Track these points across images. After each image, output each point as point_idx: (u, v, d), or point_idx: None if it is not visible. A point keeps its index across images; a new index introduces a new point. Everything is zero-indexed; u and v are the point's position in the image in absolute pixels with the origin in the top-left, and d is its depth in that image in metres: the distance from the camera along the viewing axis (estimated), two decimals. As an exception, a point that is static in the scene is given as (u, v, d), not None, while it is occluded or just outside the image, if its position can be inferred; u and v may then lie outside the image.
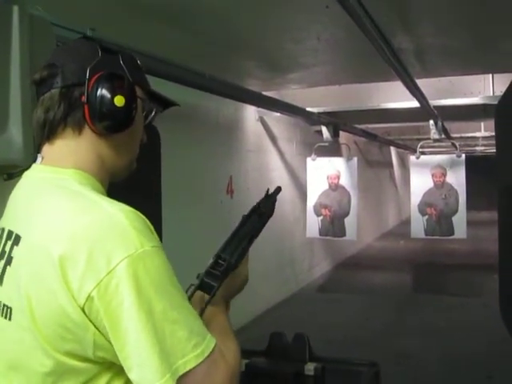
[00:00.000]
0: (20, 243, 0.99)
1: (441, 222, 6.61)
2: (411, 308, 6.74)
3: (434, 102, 5.57)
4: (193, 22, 3.34)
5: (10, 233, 1.02)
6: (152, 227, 0.97)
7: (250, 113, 6.50)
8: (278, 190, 1.39)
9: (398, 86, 4.80)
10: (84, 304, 0.89)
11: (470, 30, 3.68)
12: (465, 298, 7.09)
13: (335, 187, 6.93)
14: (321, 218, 6.96)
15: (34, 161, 1.09)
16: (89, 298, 0.89)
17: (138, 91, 1.10)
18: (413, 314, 6.48)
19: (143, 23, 3.22)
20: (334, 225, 6.92)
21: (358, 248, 10.89)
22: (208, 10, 3.12)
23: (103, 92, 1.02)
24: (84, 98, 1.02)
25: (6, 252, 1.01)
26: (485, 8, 3.16)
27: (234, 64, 4.58)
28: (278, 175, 7.24)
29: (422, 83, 4.80)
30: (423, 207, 6.69)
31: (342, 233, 6.94)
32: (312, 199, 7.02)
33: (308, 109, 6.15)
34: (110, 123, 1.04)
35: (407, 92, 4.68)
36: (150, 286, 0.90)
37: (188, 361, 0.91)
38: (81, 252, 0.90)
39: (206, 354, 0.93)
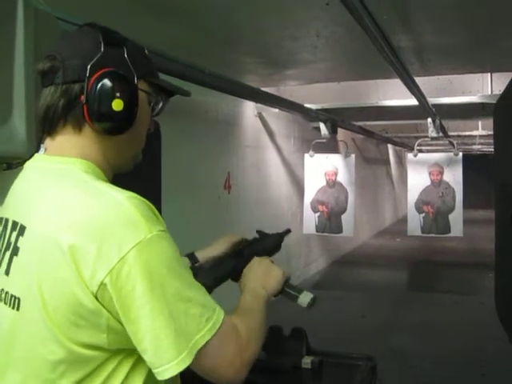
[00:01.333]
0: (25, 234, 0.99)
1: (437, 220, 6.63)
2: (407, 305, 6.75)
3: (432, 100, 5.58)
4: (192, 18, 3.34)
5: (15, 223, 1.02)
6: (157, 211, 0.99)
7: (249, 109, 6.49)
8: (287, 232, 1.64)
9: (396, 84, 4.82)
10: (97, 291, 0.91)
11: (469, 29, 3.70)
12: (461, 296, 7.11)
13: (333, 184, 6.94)
14: (318, 214, 6.97)
15: (37, 151, 1.08)
16: (101, 285, 0.90)
17: (144, 85, 1.08)
18: (408, 311, 6.49)
19: (142, 18, 3.21)
20: (330, 221, 6.94)
21: (354, 245, 10.90)
22: (207, 6, 3.12)
23: (102, 93, 1.00)
24: (83, 98, 1.00)
25: (11, 243, 1.01)
26: (484, 7, 3.18)
27: (233, 60, 4.58)
28: (275, 171, 7.24)
29: (421, 81, 4.81)
30: (420, 205, 6.71)
31: (339, 229, 6.95)
32: (309, 195, 7.03)
33: (306, 105, 6.15)
34: (109, 125, 1.02)
35: (406, 90, 4.68)
36: (162, 269, 0.93)
37: (204, 334, 0.95)
38: (91, 241, 0.91)
39: (217, 326, 0.97)
